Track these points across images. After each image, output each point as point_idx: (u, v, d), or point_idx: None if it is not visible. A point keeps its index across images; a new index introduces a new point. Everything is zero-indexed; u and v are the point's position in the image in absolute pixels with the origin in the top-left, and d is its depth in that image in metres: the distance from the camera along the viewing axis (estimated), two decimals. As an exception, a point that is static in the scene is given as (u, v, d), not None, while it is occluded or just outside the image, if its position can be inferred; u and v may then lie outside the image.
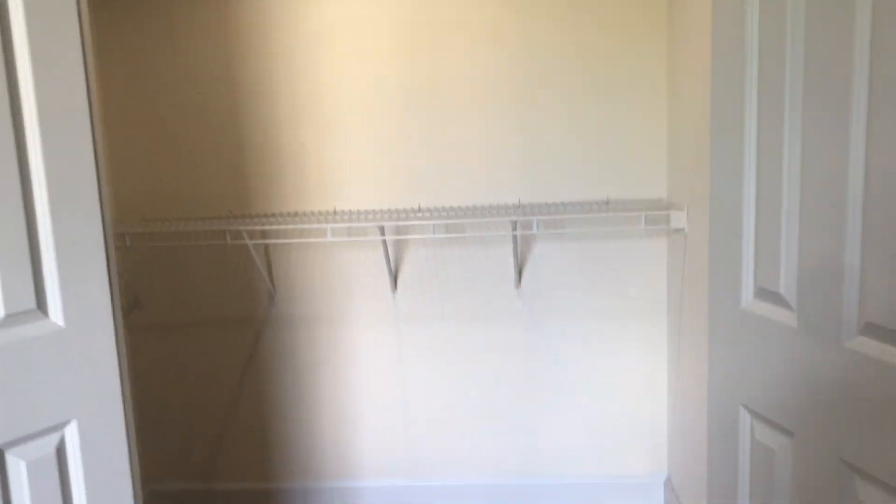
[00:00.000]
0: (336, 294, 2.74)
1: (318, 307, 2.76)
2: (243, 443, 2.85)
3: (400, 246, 2.71)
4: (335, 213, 2.67)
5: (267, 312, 2.78)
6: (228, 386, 2.82)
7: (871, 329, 1.23)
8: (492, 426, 2.80)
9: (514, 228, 2.47)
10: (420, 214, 2.55)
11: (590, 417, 2.77)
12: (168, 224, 2.55)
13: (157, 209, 2.73)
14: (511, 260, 2.66)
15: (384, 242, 2.53)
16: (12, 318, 1.38)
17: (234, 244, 2.54)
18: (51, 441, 1.46)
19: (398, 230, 2.67)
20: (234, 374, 2.82)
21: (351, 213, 2.65)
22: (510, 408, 2.78)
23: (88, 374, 1.50)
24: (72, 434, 1.49)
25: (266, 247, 2.71)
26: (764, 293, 1.46)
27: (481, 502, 2.83)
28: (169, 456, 2.87)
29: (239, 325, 2.78)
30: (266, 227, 2.41)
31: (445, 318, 2.73)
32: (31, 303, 1.41)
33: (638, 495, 2.80)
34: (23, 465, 1.40)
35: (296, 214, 2.67)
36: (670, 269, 2.62)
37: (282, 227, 2.41)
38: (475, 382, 2.78)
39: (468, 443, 2.81)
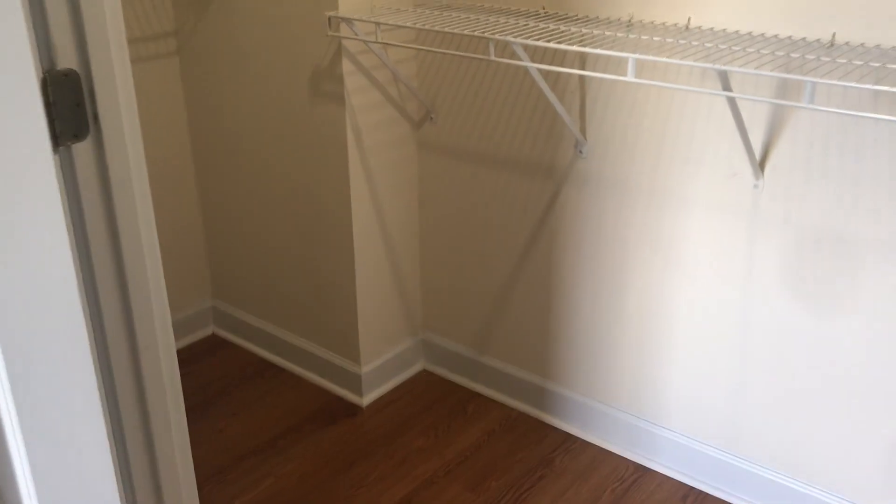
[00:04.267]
0: (669, 161, 1.76)
1: (639, 174, 1.81)
2: (524, 323, 2.16)
3: (780, 110, 1.57)
4: (687, 29, 1.62)
5: (571, 165, 1.92)
6: (515, 248, 2.10)
7: None
8: (877, 438, 1.67)
9: None
10: (821, 59, 1.39)
11: None
12: (422, 12, 1.78)
13: (460, -8, 1.97)
14: None
15: (731, 101, 1.45)
16: None
17: (509, 64, 1.65)
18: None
19: (778, 88, 1.53)
20: (523, 235, 2.07)
21: (713, 32, 1.58)
22: (918, 415, 1.61)
23: None
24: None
25: (581, 79, 1.79)
26: None
27: (826, 532, 1.79)
28: (445, 309, 2.32)
29: (536, 172, 1.98)
30: (542, 44, 1.50)
31: (842, 243, 1.59)
32: None
33: None
34: None
35: (628, 24, 1.69)
36: None
37: (561, 45, 1.48)
38: (870, 363, 1.64)
39: (830, 439, 1.74)
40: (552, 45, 1.48)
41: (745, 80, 1.58)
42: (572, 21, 1.72)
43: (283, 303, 2.38)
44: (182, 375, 2.40)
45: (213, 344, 2.56)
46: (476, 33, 1.59)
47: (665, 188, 1.78)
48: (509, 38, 1.55)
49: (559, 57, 1.83)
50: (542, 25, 1.67)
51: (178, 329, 2.54)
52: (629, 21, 1.70)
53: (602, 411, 2.07)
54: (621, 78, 1.42)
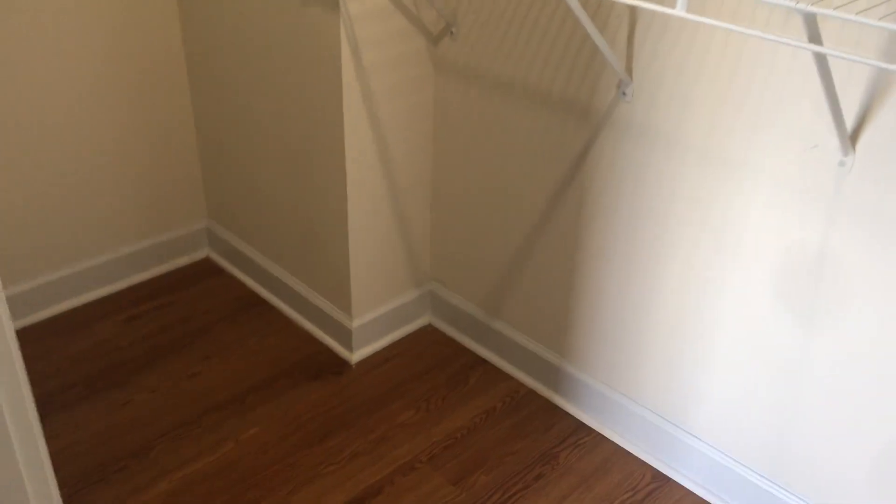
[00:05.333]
0: (734, 119, 1.35)
1: (694, 129, 1.41)
2: (543, 289, 1.81)
3: (882, 77, 1.14)
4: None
5: (611, 109, 1.53)
6: (539, 200, 1.74)
7: None
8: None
9: None
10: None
11: None
12: None
13: None
14: None
15: (818, 56, 1.03)
16: None
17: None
18: None
19: (890, 42, 1.10)
20: (550, 186, 1.70)
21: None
22: None
23: None
24: None
25: (632, 10, 1.38)
26: None
27: None
28: (456, 261, 1.99)
29: (570, 112, 1.60)
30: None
31: (945, 250, 1.18)
32: None
33: None
34: None
35: (697, -67, 1.26)
36: None
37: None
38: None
39: (888, 482, 1.37)
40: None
41: (843, 28, 1.15)
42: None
43: (274, 235, 2.09)
44: (166, 304, 2.17)
45: (205, 269, 2.30)
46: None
47: (725, 152, 1.38)
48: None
49: (606, -31, 1.42)
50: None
51: (172, 249, 2.29)
52: (699, -73, 1.27)
53: (622, 404, 1.74)
54: (667, 10, 1.02)
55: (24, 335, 2.01)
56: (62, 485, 1.62)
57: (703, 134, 1.40)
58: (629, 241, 1.59)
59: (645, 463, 1.73)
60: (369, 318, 1.97)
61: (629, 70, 1.46)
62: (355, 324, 1.94)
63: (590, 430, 1.81)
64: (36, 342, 2.00)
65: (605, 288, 1.68)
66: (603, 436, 1.79)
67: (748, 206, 1.39)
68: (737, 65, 1.31)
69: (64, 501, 1.60)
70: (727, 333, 1.50)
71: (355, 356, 1.98)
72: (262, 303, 2.17)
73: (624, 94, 1.49)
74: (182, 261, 2.32)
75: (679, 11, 1.01)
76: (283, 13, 1.73)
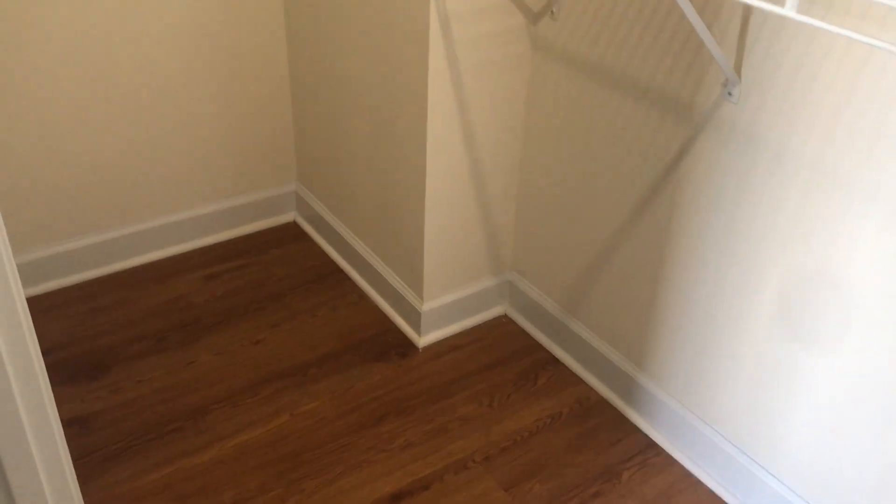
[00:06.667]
0: (851, 135, 1.18)
1: (804, 141, 1.25)
2: (624, 294, 1.69)
3: None
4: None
5: (714, 109, 1.38)
6: (628, 200, 1.60)
7: None
8: None
9: None
10: None
11: None
12: None
13: None
14: None
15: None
16: None
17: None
18: None
19: None
20: (640, 186, 1.57)
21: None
22: None
23: None
24: None
25: (745, 4, 1.21)
26: None
27: None
28: (538, 254, 1.88)
29: (668, 108, 1.45)
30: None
31: None
32: None
33: None
34: None
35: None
36: None
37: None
38: None
39: None
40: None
41: None
42: None
43: (356, 206, 2.04)
44: (245, 266, 2.17)
45: (290, 234, 2.29)
46: None
47: (837, 171, 1.22)
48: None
49: (723, -47, 1.26)
50: None
51: (260, 209, 2.28)
52: (834, -89, 1.10)
53: (698, 429, 1.61)
54: (774, 9, 0.88)
55: (102, 284, 2.05)
56: (117, 439, 1.64)
57: (814, 146, 1.24)
58: (722, 254, 1.45)
59: (715, 494, 1.60)
60: (441, 302, 1.89)
61: (737, 69, 1.30)
62: (426, 307, 1.87)
63: (659, 450, 1.68)
64: (114, 291, 2.03)
65: (692, 302, 1.54)
66: (673, 458, 1.67)
67: (857, 233, 1.22)
68: (860, 73, 1.14)
69: (117, 455, 1.62)
70: (829, 371, 1.35)
71: (423, 340, 1.91)
72: (340, 273, 2.14)
73: (730, 94, 1.33)
74: (268, 222, 2.31)
75: (788, 11, 0.87)
76: (377, -21, 1.65)
